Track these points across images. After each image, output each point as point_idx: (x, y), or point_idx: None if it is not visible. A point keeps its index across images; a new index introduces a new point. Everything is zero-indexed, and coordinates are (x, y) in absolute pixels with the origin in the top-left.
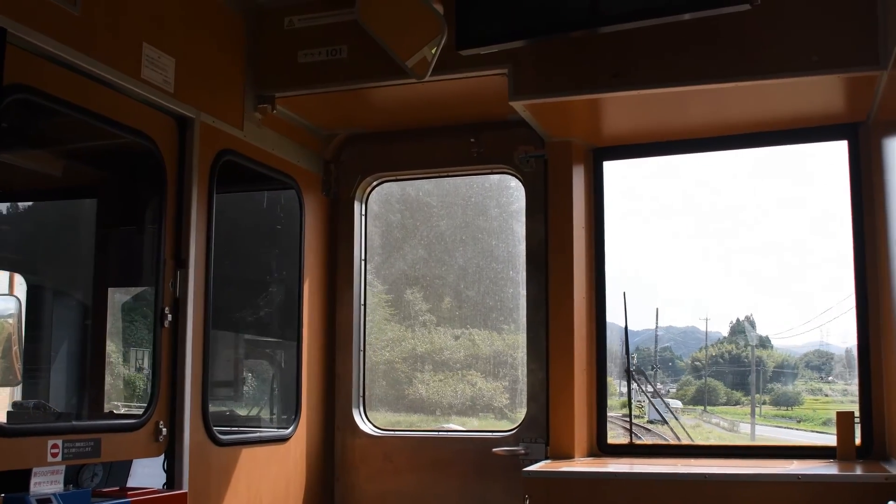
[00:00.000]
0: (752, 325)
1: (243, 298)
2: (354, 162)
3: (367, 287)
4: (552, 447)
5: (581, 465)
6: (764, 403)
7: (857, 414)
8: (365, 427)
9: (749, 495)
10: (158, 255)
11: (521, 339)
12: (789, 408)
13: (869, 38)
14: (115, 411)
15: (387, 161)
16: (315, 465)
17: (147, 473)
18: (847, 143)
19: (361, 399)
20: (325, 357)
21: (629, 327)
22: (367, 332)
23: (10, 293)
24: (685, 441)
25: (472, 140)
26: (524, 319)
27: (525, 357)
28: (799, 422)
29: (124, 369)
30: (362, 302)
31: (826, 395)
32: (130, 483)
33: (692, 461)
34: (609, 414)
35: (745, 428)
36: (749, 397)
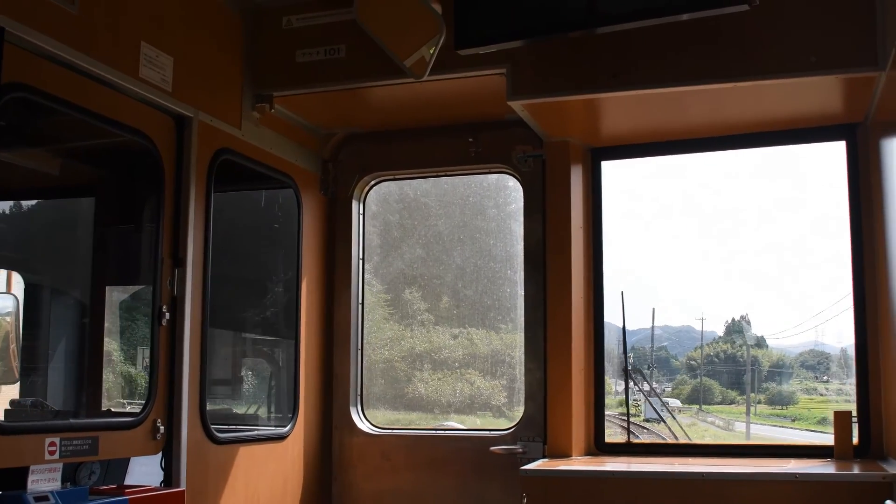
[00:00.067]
0: (749, 324)
1: (241, 297)
2: (352, 161)
3: (366, 286)
4: (550, 446)
5: (578, 463)
6: (759, 402)
7: (854, 413)
8: (363, 426)
9: (746, 494)
10: (156, 254)
11: (519, 338)
12: (784, 407)
13: (867, 38)
14: (119, 409)
15: (385, 160)
16: (313, 463)
17: (144, 472)
18: (845, 144)
19: (359, 398)
20: (323, 356)
21: (626, 327)
22: (365, 331)
23: (8, 291)
24: (682, 440)
25: (470, 140)
26: (522, 319)
27: (523, 356)
28: (794, 421)
29: (126, 366)
30: (360, 301)
31: (821, 395)
32: (128, 481)
33: (689, 460)
34: (606, 413)
35: (740, 426)
36: (744, 396)
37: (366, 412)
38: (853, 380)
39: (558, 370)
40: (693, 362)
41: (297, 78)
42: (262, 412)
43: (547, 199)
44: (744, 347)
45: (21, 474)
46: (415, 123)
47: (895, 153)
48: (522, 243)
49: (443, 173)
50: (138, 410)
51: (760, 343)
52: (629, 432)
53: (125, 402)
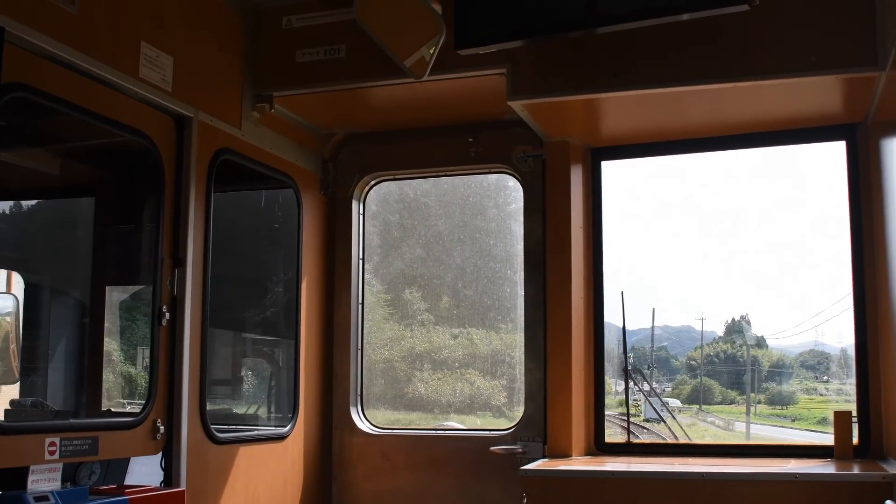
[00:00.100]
0: (749, 324)
1: (241, 297)
2: (352, 161)
3: (366, 286)
4: (550, 446)
5: (578, 463)
6: (759, 402)
7: (854, 413)
8: (362, 425)
9: (746, 494)
10: (156, 254)
11: (519, 338)
12: (784, 407)
13: (867, 38)
14: (119, 409)
15: (385, 160)
16: (313, 463)
17: (144, 472)
18: (845, 144)
19: (359, 398)
20: (323, 356)
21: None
22: (365, 331)
23: (8, 291)
24: (682, 440)
25: (470, 140)
26: (522, 319)
27: (523, 356)
28: (793, 421)
29: (126, 366)
30: (360, 301)
31: (821, 395)
32: (128, 481)
33: (689, 460)
34: (606, 413)
35: (740, 426)
36: (744, 396)
37: (366, 412)
38: (853, 380)
39: (558, 370)
40: (693, 362)
41: (297, 78)
42: (262, 412)
43: (547, 199)
44: (744, 347)
45: (21, 474)
46: (415, 123)
47: (895, 153)
48: (522, 243)
49: (443, 173)
50: (138, 410)
51: (760, 343)
52: (629, 432)
53: (125, 402)
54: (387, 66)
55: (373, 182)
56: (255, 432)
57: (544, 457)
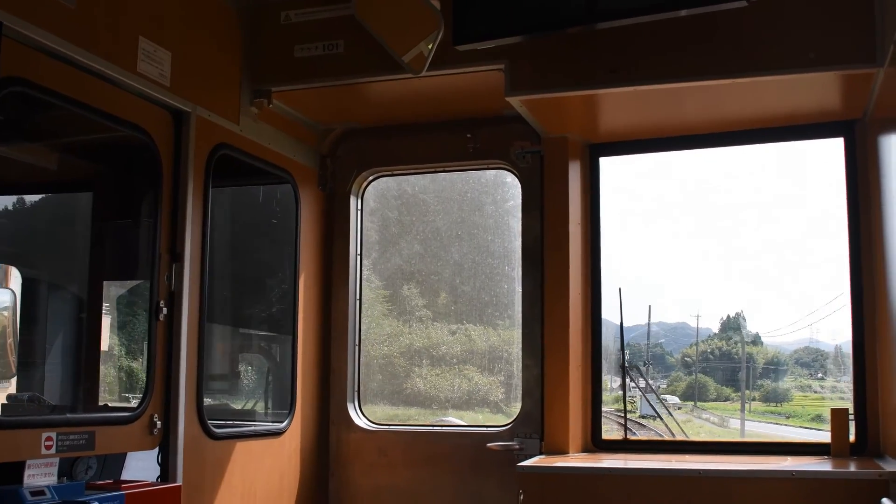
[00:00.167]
0: (744, 320)
1: (239, 292)
2: (350, 157)
3: (364, 282)
4: (547, 442)
5: (575, 460)
6: (753, 399)
7: (851, 411)
8: (359, 421)
9: (743, 491)
10: (154, 249)
11: (516, 334)
12: (779, 404)
13: (866, 35)
14: (125, 403)
15: (383, 156)
16: (309, 459)
17: (141, 467)
18: (843, 141)
19: (356, 393)
20: (321, 351)
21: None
22: (364, 327)
23: (6, 286)
24: (679, 436)
25: (468, 135)
26: (519, 315)
27: (520, 352)
28: (788, 418)
29: (128, 361)
30: (358, 297)
31: (815, 392)
32: (124, 476)
33: (686, 457)
34: (602, 409)
35: (734, 423)
36: (739, 393)
37: (363, 408)
38: (847, 377)
39: (555, 367)
40: (688, 359)
41: (296, 73)
42: (260, 407)
43: (545, 195)
44: (739, 344)
45: (17, 469)
46: (413, 119)
47: (893, 150)
48: (520, 239)
49: (441, 169)
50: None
51: (756, 340)
52: (626, 429)
53: (130, 396)
54: (385, 61)
55: (371, 178)
56: (252, 428)
57: (541, 453)
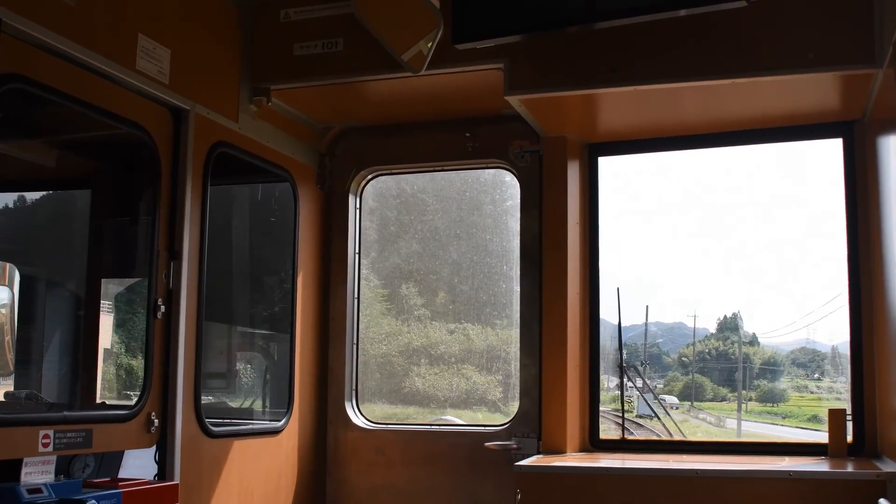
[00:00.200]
0: (741, 320)
1: (237, 291)
2: (349, 155)
3: (363, 281)
4: (544, 442)
5: (573, 459)
6: (750, 399)
7: (848, 411)
8: (357, 420)
9: (740, 491)
10: (152, 247)
11: (514, 334)
12: (775, 404)
13: (865, 35)
14: (126, 401)
15: (382, 155)
16: (307, 457)
17: (139, 465)
18: (842, 141)
19: (354, 392)
20: (318, 350)
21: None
22: (362, 326)
23: (3, 283)
24: (676, 436)
25: (467, 135)
26: (517, 315)
27: (518, 352)
28: (784, 418)
29: (127, 359)
30: (356, 295)
31: (812, 393)
32: (122, 474)
33: (684, 457)
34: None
35: (731, 423)
36: (735, 393)
37: (361, 407)
38: (844, 378)
39: (553, 366)
40: (685, 359)
41: (295, 71)
42: (257, 406)
43: (544, 194)
44: (736, 345)
45: (14, 467)
46: (412, 118)
47: (892, 150)
48: (519, 239)
49: (440, 168)
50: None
51: (753, 341)
52: (623, 429)
53: (131, 393)
54: (384, 60)
55: (370, 176)
56: (250, 426)
57: (539, 453)
